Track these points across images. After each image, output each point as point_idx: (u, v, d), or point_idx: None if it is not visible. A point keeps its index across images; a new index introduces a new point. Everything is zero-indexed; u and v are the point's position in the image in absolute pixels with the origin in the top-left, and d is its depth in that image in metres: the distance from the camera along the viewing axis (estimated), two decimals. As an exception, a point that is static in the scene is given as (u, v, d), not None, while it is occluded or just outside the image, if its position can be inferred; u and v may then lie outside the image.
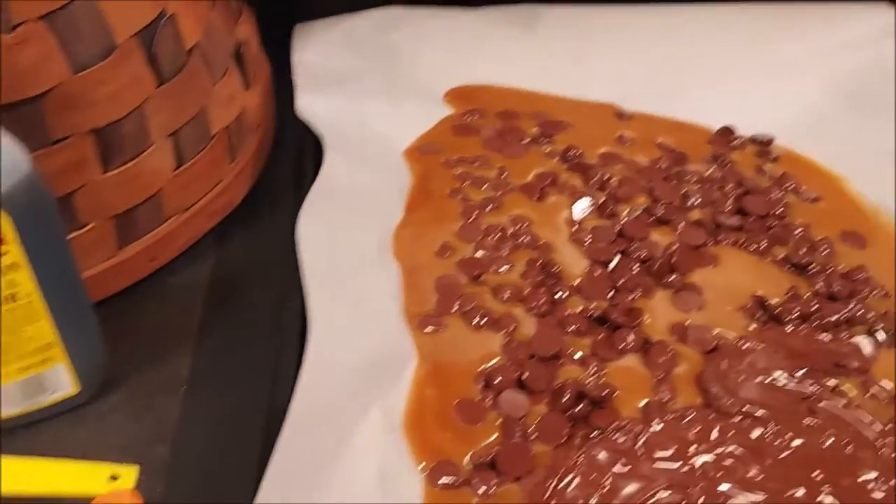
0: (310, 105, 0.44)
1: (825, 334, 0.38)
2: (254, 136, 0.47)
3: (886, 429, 0.35)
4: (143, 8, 0.36)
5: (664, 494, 0.31)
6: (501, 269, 0.40)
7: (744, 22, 0.53)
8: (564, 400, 0.34)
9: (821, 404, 0.35)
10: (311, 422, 0.30)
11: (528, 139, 0.48)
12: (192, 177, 0.42)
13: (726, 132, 0.50)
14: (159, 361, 0.38)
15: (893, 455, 0.34)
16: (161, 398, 0.37)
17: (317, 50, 0.48)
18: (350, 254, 0.37)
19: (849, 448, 0.34)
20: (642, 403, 0.35)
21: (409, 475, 0.31)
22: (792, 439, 0.34)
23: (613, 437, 0.33)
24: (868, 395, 0.36)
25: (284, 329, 0.39)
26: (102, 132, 0.36)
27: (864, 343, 0.38)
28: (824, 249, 0.43)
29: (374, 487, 0.30)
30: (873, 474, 0.33)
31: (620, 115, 0.51)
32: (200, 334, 0.40)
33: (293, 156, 0.49)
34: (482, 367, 0.35)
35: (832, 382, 0.36)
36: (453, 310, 0.38)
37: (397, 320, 0.37)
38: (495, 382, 0.35)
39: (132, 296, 0.41)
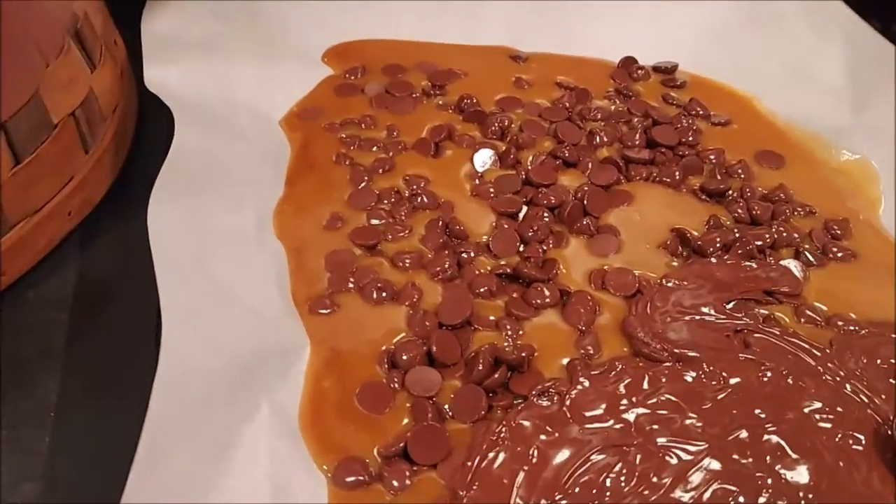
0: (161, 77, 0.38)
1: (751, 261, 0.36)
2: (109, 123, 0.41)
3: (827, 353, 0.32)
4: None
5: (598, 457, 0.28)
6: (399, 236, 0.36)
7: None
8: (479, 369, 0.30)
9: (755, 336, 0.33)
10: (177, 434, 0.25)
11: (419, 93, 0.44)
12: (36, 174, 0.36)
13: (628, 63, 0.47)
14: (23, 388, 0.33)
15: (836, 380, 0.31)
16: (27, 430, 0.32)
17: (171, 17, 0.43)
18: (221, 240, 0.32)
19: (789, 379, 0.31)
20: (565, 361, 0.31)
21: (310, 479, 0.27)
22: (728, 378, 0.31)
23: (537, 403, 0.30)
24: (803, 319, 0.34)
25: (164, 336, 0.34)
26: None
27: (793, 265, 0.36)
28: (740, 173, 0.40)
29: (266, 500, 0.25)
30: (818, 404, 0.30)
31: (516, 58, 0.48)
32: (68, 352, 0.35)
33: (164, 142, 0.44)
34: (385, 347, 0.31)
35: (764, 311, 0.34)
36: (348, 287, 0.34)
37: (284, 307, 0.32)
38: (401, 361, 0.31)
39: (-16, 316, 0.35)
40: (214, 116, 0.38)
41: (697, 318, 0.33)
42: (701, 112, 0.44)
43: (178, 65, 0.40)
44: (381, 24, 0.48)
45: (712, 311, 0.33)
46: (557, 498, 0.27)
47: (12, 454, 0.31)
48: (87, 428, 0.32)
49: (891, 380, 0.31)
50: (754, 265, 0.35)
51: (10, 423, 0.32)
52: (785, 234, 0.37)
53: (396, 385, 0.30)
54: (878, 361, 0.32)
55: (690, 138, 0.42)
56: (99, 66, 0.41)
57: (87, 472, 0.30)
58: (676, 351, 0.32)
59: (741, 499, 0.28)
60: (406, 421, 0.29)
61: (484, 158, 0.40)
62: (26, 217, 0.36)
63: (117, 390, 0.33)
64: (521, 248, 0.36)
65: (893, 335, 0.33)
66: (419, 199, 0.38)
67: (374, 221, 0.37)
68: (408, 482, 0.27)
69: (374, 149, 0.41)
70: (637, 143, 0.41)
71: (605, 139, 0.41)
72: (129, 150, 0.43)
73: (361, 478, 0.27)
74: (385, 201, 0.38)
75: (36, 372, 0.33)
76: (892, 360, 0.32)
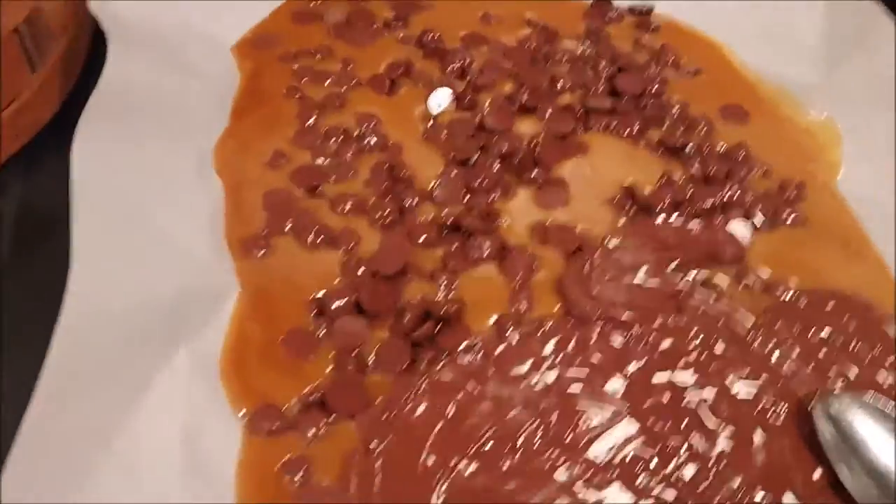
0: (106, -2, 0.37)
1: (699, 222, 0.35)
2: (58, 43, 0.40)
3: (759, 321, 0.32)
4: None
5: (516, 415, 0.29)
6: (343, 178, 0.35)
7: None
8: (406, 321, 0.30)
9: (690, 300, 0.32)
10: (81, 377, 0.25)
11: (380, 24, 0.43)
12: (-23, 92, 0.35)
13: (603, 3, 0.45)
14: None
15: (765, 349, 0.31)
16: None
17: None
18: (153, 174, 0.32)
19: (717, 346, 0.31)
20: (494, 318, 0.31)
21: (224, 425, 0.27)
22: (658, 343, 0.31)
23: (462, 359, 0.30)
24: (742, 285, 0.33)
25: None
26: None
27: (740, 228, 0.35)
28: (703, 128, 0.39)
29: (175, 445, 0.26)
30: (742, 372, 0.31)
31: (487, -10, 0.46)
32: (4, 281, 0.34)
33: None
34: (316, 293, 0.31)
35: (704, 275, 0.33)
36: (285, 229, 0.33)
37: (215, 247, 0.32)
38: (330, 308, 0.31)
39: (-81, 237, 0.35)
40: (160, 42, 0.37)
41: (634, 279, 0.33)
42: (671, 60, 0.42)
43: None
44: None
45: (650, 273, 0.33)
46: (469, 453, 0.27)
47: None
48: (20, 364, 0.31)
49: (820, 353, 0.31)
50: (700, 226, 0.35)
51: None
52: (738, 195, 0.36)
53: (323, 333, 0.30)
54: (811, 333, 0.32)
55: (655, 88, 0.40)
56: (47, -20, 0.40)
57: (20, 413, 0.30)
58: (609, 312, 0.31)
59: (652, 464, 0.28)
60: (329, 370, 0.29)
61: (440, 99, 0.39)
62: (-35, 137, 0.36)
63: (50, 327, 0.33)
64: (466, 198, 0.35)
65: (829, 306, 0.33)
66: (367, 140, 0.37)
67: (319, 161, 0.36)
68: (322, 431, 0.28)
69: (328, 82, 0.39)
70: (601, 90, 0.40)
71: (568, 85, 0.40)
72: (81, 72, 0.42)
73: (276, 425, 0.28)
74: (332, 140, 0.37)
75: (-34, 303, 0.33)
76: (825, 333, 0.32)
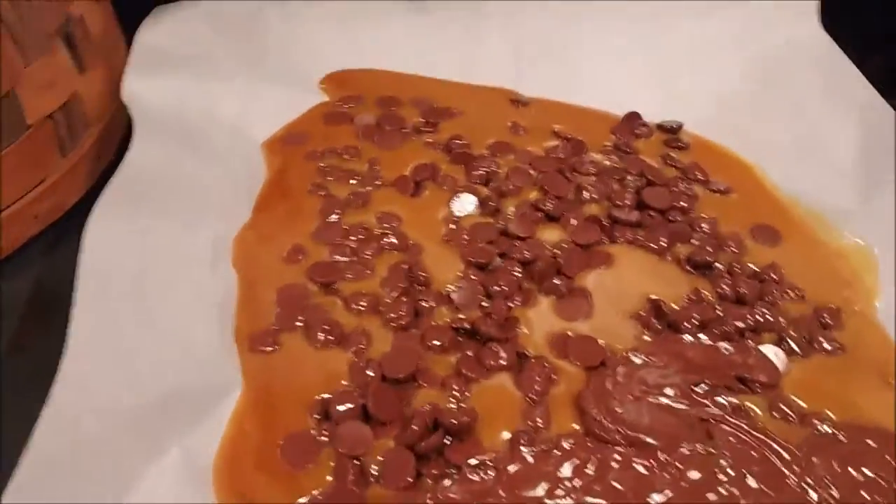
0: (140, 88, 0.37)
1: (729, 343, 0.33)
2: (93, 129, 0.41)
3: (796, 455, 0.30)
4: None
5: (527, 544, 0.26)
6: (359, 276, 0.34)
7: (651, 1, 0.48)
8: (413, 431, 0.28)
9: (720, 427, 0.30)
10: (60, 473, 0.23)
11: (409, 128, 0.43)
12: (4, 172, 0.35)
13: (632, 119, 0.45)
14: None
15: (802, 486, 0.29)
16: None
17: (168, 29, 0.42)
18: (165, 264, 0.31)
19: (749, 479, 0.29)
20: (508, 434, 0.29)
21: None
22: (685, 471, 0.29)
23: (471, 476, 0.28)
24: (776, 414, 0.31)
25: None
26: None
27: (773, 353, 0.33)
28: (732, 246, 0.38)
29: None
30: (778, 510, 0.28)
31: (516, 102, 0.46)
32: (11, 357, 0.33)
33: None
34: (321, 395, 0.30)
35: (734, 400, 0.31)
36: (295, 325, 0.32)
37: (222, 342, 0.31)
38: (335, 412, 0.29)
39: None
40: (190, 135, 0.37)
41: (660, 400, 0.31)
42: (700, 177, 0.42)
43: (162, 78, 0.39)
44: (389, 54, 0.47)
45: (677, 395, 0.31)
46: (473, 585, 0.25)
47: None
48: (16, 441, 0.30)
49: (863, 492, 0.29)
50: (731, 348, 0.33)
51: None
52: (770, 318, 0.34)
53: (325, 438, 0.28)
54: (852, 471, 0.29)
55: (684, 204, 0.39)
56: (89, 70, 0.41)
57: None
58: (631, 434, 0.29)
59: None
60: (329, 479, 0.27)
61: (464, 204, 0.38)
62: (-11, 215, 0.36)
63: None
64: (484, 303, 0.34)
65: (871, 443, 0.30)
66: (387, 239, 0.36)
67: (337, 258, 0.35)
68: (315, 548, 0.25)
69: (352, 181, 0.39)
70: (627, 202, 0.39)
71: (594, 196, 0.39)
72: (112, 159, 0.42)
73: (265, 537, 0.25)
74: (352, 238, 0.36)
75: (-29, 375, 0.32)
76: (868, 472, 0.29)
